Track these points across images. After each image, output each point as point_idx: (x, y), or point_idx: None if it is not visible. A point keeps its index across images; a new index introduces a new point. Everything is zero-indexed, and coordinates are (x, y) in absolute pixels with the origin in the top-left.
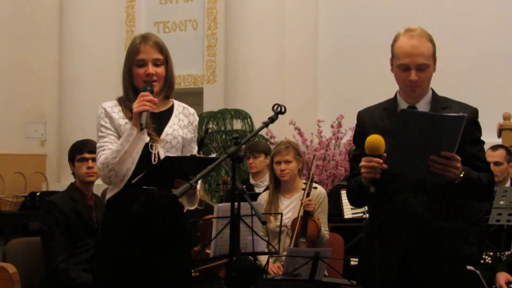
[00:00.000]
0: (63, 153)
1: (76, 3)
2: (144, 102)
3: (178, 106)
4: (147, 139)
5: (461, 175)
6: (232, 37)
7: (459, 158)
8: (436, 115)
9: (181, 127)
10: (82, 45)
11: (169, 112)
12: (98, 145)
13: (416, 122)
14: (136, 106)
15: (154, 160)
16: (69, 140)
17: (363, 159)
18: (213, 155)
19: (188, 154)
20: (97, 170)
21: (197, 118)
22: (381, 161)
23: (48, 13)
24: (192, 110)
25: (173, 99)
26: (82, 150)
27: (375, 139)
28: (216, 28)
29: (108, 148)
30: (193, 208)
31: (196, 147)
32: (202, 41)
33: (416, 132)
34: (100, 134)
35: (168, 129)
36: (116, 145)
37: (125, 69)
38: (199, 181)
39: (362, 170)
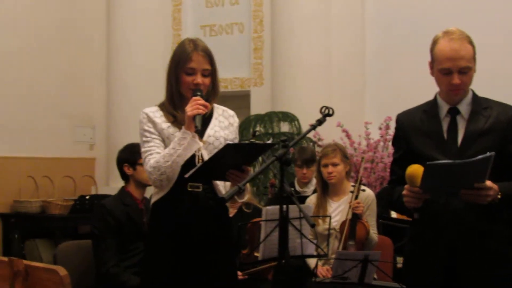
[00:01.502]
0: (112, 156)
1: (123, 8)
2: (197, 106)
3: (218, 109)
4: (201, 143)
5: (499, 196)
6: (278, 40)
7: (490, 186)
8: (463, 163)
9: (222, 129)
10: (129, 50)
11: (209, 115)
12: (143, 149)
13: (444, 171)
14: (190, 110)
15: (198, 162)
16: (117, 144)
17: (405, 187)
18: (269, 142)
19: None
20: (147, 174)
21: (237, 120)
22: (421, 191)
23: (95, 18)
24: (231, 112)
25: (213, 103)
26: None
27: (414, 171)
28: (262, 31)
29: (156, 152)
30: (242, 201)
31: None
32: (249, 44)
33: (446, 178)
34: (144, 139)
35: (210, 131)
36: (168, 149)
37: (171, 75)
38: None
39: (404, 199)
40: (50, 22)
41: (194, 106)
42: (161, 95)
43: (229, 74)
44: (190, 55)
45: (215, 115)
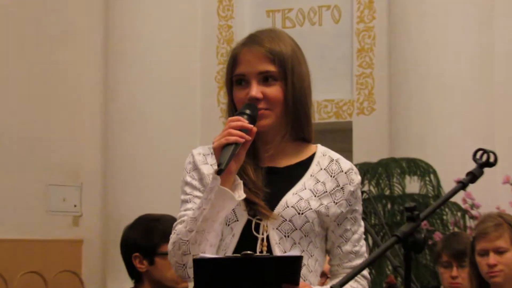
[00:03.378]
0: (111, 238)
1: None
2: (229, 131)
3: (323, 158)
4: (239, 195)
5: None
6: (400, 36)
7: None
8: None
9: (318, 195)
10: (138, 58)
11: (301, 167)
12: (178, 215)
13: None
14: (217, 139)
15: (261, 251)
16: (121, 216)
17: None
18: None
19: (298, 252)
20: (168, 256)
21: (357, 180)
22: None
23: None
24: (346, 165)
25: (318, 145)
26: (169, 235)
27: None
28: (373, 19)
29: None
30: None
31: (363, 241)
32: (350, 42)
33: None
34: (183, 197)
35: (289, 197)
36: (193, 210)
37: (227, 92)
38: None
39: None
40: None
41: (224, 132)
42: (197, 128)
43: (314, 94)
44: (236, 53)
45: (312, 167)
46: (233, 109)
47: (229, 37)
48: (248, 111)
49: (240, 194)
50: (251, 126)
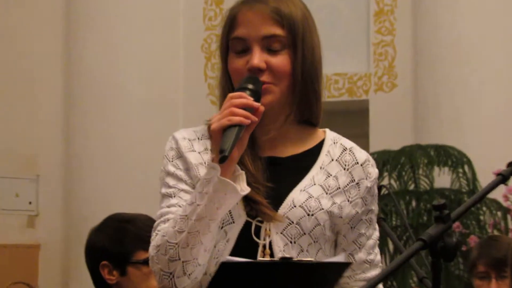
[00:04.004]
0: (76, 241)
1: None
2: (232, 109)
3: (334, 146)
4: (244, 189)
5: None
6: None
7: None
8: None
9: (330, 192)
10: (103, 25)
11: (309, 157)
12: (159, 212)
13: None
14: (216, 119)
15: (263, 256)
16: (90, 213)
17: None
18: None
19: (343, 258)
20: (150, 262)
21: (375, 174)
22: None
23: None
24: (362, 155)
25: (326, 130)
26: (144, 239)
27: None
28: None
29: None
30: None
31: (377, 248)
32: (365, 1)
33: None
34: (164, 190)
35: (296, 194)
36: (183, 206)
37: (221, 61)
38: None
39: None
40: None
41: (225, 111)
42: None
43: (324, 68)
44: (235, 15)
45: (321, 157)
46: (228, 82)
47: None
48: (250, 86)
49: (242, 187)
50: (258, 104)
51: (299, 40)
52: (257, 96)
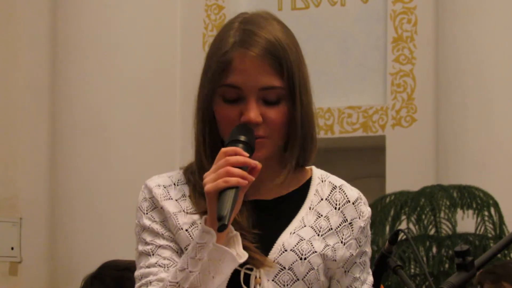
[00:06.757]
0: None
1: None
2: (228, 169)
3: (322, 184)
4: (241, 255)
5: None
6: (451, 20)
7: None
8: None
9: (322, 234)
10: (93, 50)
11: (296, 197)
12: (138, 272)
13: None
14: (210, 179)
15: None
16: (78, 260)
17: None
18: None
19: None
20: None
21: (368, 212)
22: None
23: None
24: (354, 193)
25: (312, 167)
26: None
27: None
28: None
29: (157, 280)
30: None
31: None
32: (383, 28)
33: None
34: (141, 248)
35: (286, 237)
36: (173, 270)
37: (201, 104)
38: None
39: None
40: None
41: (221, 170)
42: (176, 153)
43: (334, 101)
44: (230, 56)
45: (310, 197)
46: (211, 131)
47: (220, 22)
48: (243, 138)
49: (239, 252)
50: (255, 162)
51: (296, 86)
52: (250, 149)
